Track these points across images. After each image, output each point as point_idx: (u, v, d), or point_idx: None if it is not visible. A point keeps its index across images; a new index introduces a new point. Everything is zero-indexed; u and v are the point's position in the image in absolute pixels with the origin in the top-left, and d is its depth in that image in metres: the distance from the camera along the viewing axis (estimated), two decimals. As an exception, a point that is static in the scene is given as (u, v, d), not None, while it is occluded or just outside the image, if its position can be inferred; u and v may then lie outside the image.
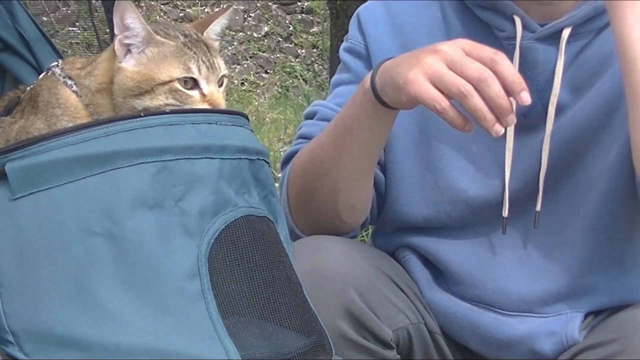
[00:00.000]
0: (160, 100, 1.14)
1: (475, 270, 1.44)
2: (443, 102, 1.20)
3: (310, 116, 1.51)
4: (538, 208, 1.41)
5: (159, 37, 1.15)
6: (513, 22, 1.38)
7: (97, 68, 1.17)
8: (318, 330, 1.12)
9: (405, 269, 1.51)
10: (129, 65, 1.14)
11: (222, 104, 1.16)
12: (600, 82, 1.39)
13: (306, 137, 1.48)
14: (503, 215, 1.42)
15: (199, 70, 1.15)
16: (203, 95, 1.16)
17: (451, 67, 1.20)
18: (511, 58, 1.36)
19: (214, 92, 1.16)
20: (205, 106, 1.15)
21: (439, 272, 1.49)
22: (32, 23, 1.43)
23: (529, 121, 1.41)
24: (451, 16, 1.46)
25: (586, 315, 1.43)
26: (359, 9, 1.53)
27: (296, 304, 1.11)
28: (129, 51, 1.15)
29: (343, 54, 1.52)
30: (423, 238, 1.49)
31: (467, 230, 1.46)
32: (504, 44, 1.40)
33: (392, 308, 1.40)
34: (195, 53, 1.16)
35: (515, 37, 1.39)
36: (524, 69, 1.38)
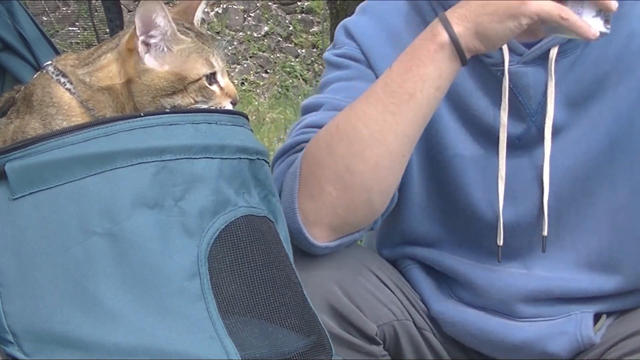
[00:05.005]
0: (190, 98, 1.14)
1: (481, 282, 1.44)
2: (566, 9, 1.19)
3: (312, 109, 1.45)
4: (545, 233, 1.39)
5: (179, 34, 1.15)
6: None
7: (102, 70, 1.16)
8: (318, 330, 1.12)
9: (407, 279, 1.50)
10: (153, 65, 1.14)
11: (237, 95, 1.17)
12: (598, 107, 1.37)
13: (315, 126, 1.39)
14: (498, 243, 1.41)
15: (218, 64, 1.16)
16: (221, 88, 1.17)
17: None
18: (500, 84, 1.36)
19: (229, 84, 1.17)
20: (226, 99, 1.16)
21: (443, 279, 1.49)
22: (32, 23, 1.43)
23: (523, 144, 1.40)
24: None
25: (598, 316, 1.44)
26: (345, 23, 1.50)
27: (296, 304, 1.11)
28: (148, 51, 1.14)
29: (335, 59, 1.48)
30: (428, 250, 1.49)
31: (473, 245, 1.45)
32: (492, 70, 1.38)
33: (376, 303, 1.40)
34: (208, 47, 1.17)
35: (502, 63, 1.36)
36: (515, 94, 1.37)
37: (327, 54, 1.51)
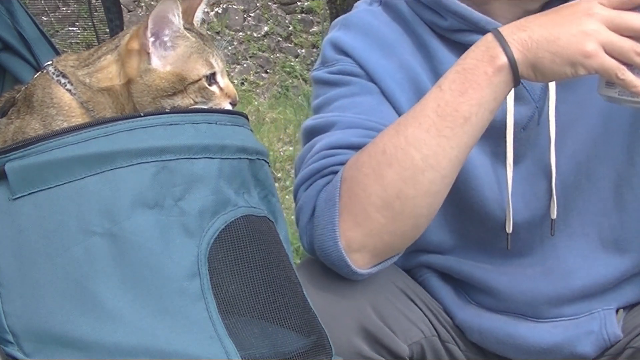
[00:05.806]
0: (190, 98, 1.14)
1: (501, 286, 1.43)
2: (624, 70, 1.17)
3: (320, 130, 1.39)
4: (554, 216, 1.39)
5: (186, 32, 1.15)
6: None
7: (102, 71, 1.16)
8: (318, 330, 1.12)
9: (426, 288, 1.50)
10: (157, 65, 1.13)
11: (237, 95, 1.16)
12: (585, 85, 1.37)
13: (338, 147, 1.34)
14: (507, 231, 1.40)
15: (218, 65, 1.16)
16: (221, 89, 1.16)
17: (614, 28, 1.17)
18: None
19: (229, 85, 1.17)
20: (225, 100, 1.16)
21: (460, 285, 1.49)
22: (32, 23, 1.43)
23: (527, 133, 1.40)
24: (430, 41, 1.43)
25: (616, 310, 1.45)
26: (331, 39, 1.47)
27: (296, 304, 1.11)
28: (154, 51, 1.13)
29: (331, 76, 1.44)
30: (444, 257, 1.48)
31: (487, 249, 1.45)
32: None
33: (406, 322, 1.39)
34: (209, 47, 1.16)
35: None
36: (521, 83, 1.38)
37: (318, 73, 1.47)
